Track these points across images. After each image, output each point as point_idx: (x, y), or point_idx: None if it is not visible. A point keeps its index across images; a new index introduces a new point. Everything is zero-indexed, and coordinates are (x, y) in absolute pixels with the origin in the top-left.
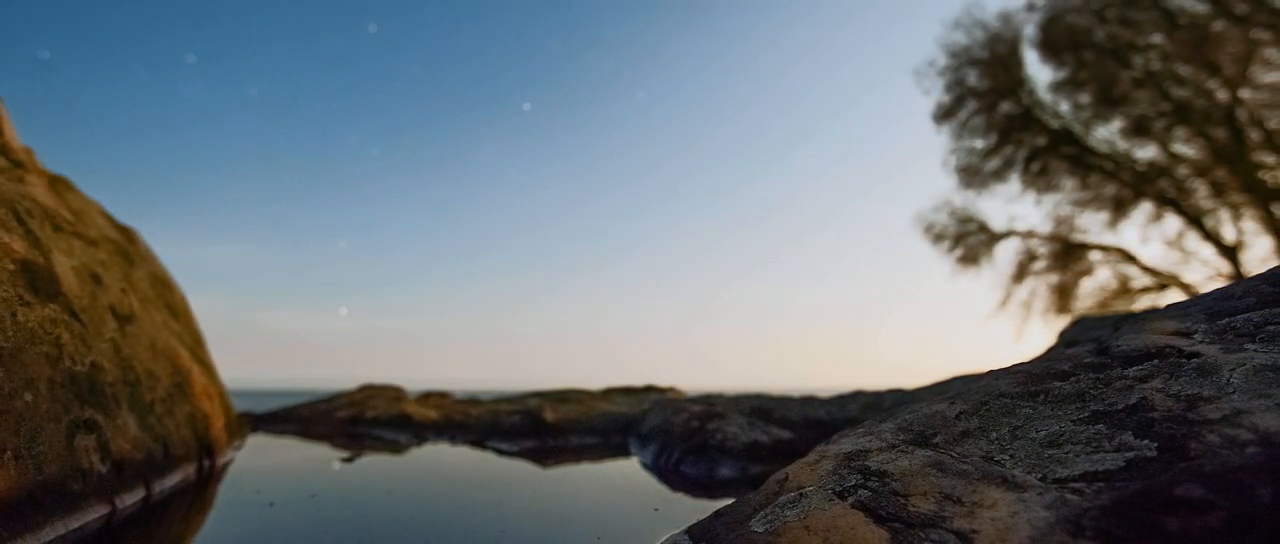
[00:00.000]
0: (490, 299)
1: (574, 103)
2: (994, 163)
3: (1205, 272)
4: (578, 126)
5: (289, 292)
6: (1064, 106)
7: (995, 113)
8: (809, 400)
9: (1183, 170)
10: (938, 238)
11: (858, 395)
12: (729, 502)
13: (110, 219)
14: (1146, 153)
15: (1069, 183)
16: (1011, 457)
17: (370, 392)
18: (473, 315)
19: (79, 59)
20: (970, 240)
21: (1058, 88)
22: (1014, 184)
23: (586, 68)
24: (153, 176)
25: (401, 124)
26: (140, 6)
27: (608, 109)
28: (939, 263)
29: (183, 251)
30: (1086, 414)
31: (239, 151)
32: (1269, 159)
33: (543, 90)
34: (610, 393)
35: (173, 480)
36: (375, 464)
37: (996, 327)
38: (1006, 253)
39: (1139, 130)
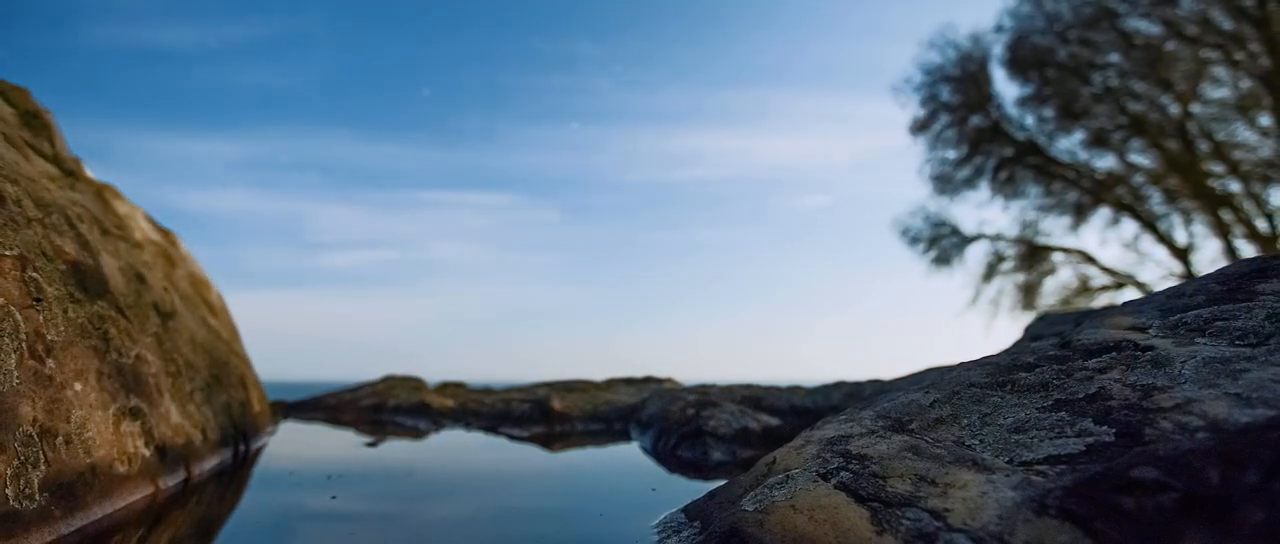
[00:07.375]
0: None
1: (615, 117)
2: (965, 171)
3: (1159, 271)
4: (614, 136)
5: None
6: (1029, 120)
7: (966, 126)
8: (795, 390)
9: (1138, 178)
10: (914, 240)
11: (840, 385)
12: (721, 483)
13: (153, 223)
14: (1105, 162)
15: (1034, 190)
16: (981, 441)
17: (392, 382)
18: (499, 319)
19: (187, 181)
20: (943, 243)
21: (1024, 103)
22: (984, 191)
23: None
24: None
25: (466, 169)
26: (241, 136)
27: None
28: (914, 263)
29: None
30: (1050, 402)
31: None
32: (1217, 168)
33: (586, 109)
34: (613, 383)
35: (211, 463)
36: (396, 447)
37: (967, 322)
38: (976, 254)
39: (1098, 141)
